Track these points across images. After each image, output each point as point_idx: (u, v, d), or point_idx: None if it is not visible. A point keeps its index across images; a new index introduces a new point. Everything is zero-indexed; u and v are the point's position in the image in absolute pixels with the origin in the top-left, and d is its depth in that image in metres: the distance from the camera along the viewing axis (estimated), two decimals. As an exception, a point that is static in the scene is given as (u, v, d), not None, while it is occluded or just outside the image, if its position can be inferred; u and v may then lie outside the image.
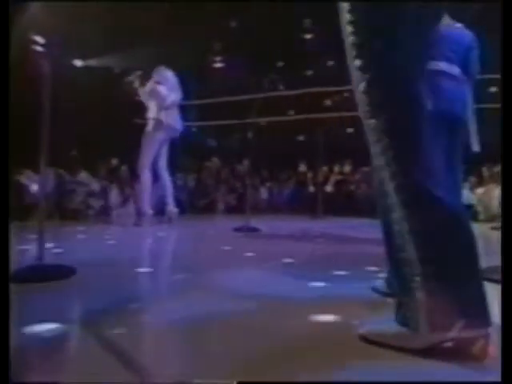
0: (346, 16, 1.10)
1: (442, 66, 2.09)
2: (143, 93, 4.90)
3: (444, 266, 1.05)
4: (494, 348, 1.03)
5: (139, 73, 4.97)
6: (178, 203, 5.20)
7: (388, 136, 1.08)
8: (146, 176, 4.72)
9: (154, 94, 4.76)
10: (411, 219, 1.06)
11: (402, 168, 1.07)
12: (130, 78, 5.01)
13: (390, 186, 1.08)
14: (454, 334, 1.03)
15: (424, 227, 1.06)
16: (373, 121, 1.09)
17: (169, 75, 4.87)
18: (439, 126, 1.62)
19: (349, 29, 1.10)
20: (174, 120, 4.81)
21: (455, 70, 2.15)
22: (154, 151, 4.72)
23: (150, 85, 4.83)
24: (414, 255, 1.06)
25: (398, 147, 1.08)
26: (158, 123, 4.69)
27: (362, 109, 1.12)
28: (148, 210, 4.76)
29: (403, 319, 1.10)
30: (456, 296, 1.03)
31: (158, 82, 4.76)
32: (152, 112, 4.75)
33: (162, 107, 4.71)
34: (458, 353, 1.04)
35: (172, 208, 4.92)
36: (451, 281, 1.05)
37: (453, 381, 0.94)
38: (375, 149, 1.10)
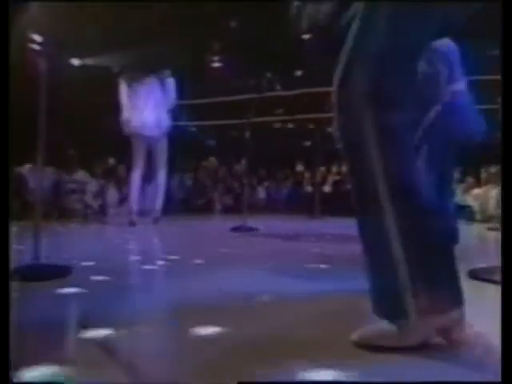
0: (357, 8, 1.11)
1: (461, 85, 2.17)
2: None
3: (427, 257, 1.07)
4: (470, 333, 1.07)
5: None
6: (175, 202, 5.21)
7: (379, 128, 1.08)
8: (133, 175, 4.78)
9: None
10: (398, 215, 1.06)
11: (392, 163, 1.08)
12: None
13: (377, 181, 1.08)
14: (437, 319, 1.05)
15: (411, 220, 1.07)
16: (363, 113, 1.09)
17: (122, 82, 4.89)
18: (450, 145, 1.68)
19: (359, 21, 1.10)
20: (141, 124, 4.74)
21: (464, 84, 2.23)
22: (138, 153, 4.77)
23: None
24: (401, 253, 1.06)
25: (388, 140, 1.08)
26: (128, 129, 4.76)
27: (353, 98, 1.11)
28: (133, 208, 4.76)
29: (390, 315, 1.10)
30: (433, 282, 1.06)
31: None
32: None
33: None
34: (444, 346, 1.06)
35: (156, 210, 4.89)
36: (427, 267, 1.07)
37: (453, 381, 0.94)
38: (362, 142, 1.10)
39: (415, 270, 1.06)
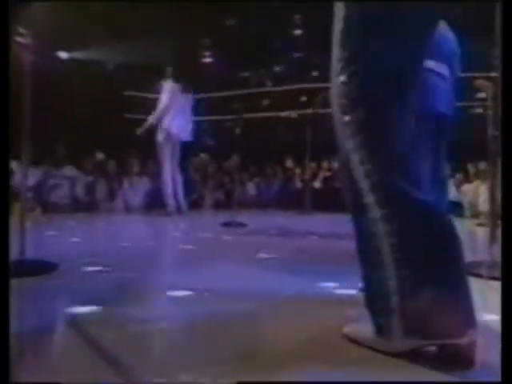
0: (341, 8, 1.07)
1: (431, 64, 2.11)
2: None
3: (420, 268, 1.00)
4: (482, 353, 0.96)
5: None
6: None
7: (365, 131, 1.03)
8: (165, 175, 5.39)
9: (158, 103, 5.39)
10: (387, 220, 1.01)
11: (378, 166, 1.02)
12: None
13: (364, 184, 1.03)
14: (432, 340, 0.99)
15: (400, 228, 1.01)
16: (349, 115, 1.04)
17: (169, 85, 5.37)
18: (424, 124, 1.62)
19: (342, 21, 1.06)
20: (179, 129, 5.33)
21: (443, 68, 2.18)
22: (167, 155, 5.32)
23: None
24: (390, 257, 1.01)
25: (373, 143, 1.03)
26: (165, 133, 5.27)
27: (338, 101, 1.07)
28: (171, 202, 5.37)
29: (377, 325, 1.05)
30: (433, 299, 0.98)
31: (158, 92, 5.42)
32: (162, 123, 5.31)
33: (162, 115, 5.27)
34: (445, 358, 0.99)
35: (182, 201, 5.50)
36: (427, 283, 0.99)
37: (453, 381, 0.93)
38: (348, 145, 1.05)
39: (405, 287, 0.99)
